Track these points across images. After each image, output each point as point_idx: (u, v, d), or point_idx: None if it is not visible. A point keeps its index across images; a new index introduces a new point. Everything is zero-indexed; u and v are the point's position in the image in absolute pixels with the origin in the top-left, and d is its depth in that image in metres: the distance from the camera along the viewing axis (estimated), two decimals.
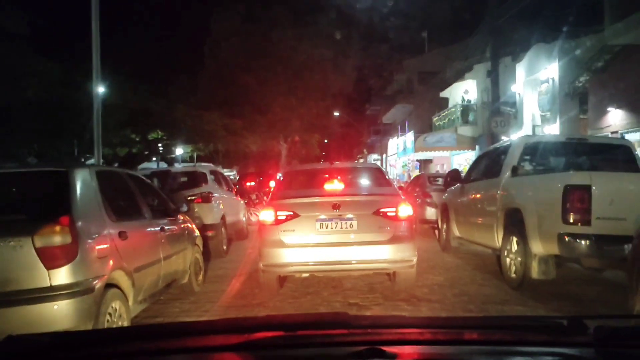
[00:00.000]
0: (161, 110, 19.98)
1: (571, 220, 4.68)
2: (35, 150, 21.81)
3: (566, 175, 5.12)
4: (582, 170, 5.49)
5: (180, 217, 5.45)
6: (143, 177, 5.01)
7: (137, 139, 21.16)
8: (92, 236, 3.26)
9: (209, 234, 7.95)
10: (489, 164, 7.20)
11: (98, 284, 3.20)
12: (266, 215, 5.09)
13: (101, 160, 9.74)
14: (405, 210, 5.07)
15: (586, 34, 15.49)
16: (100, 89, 20.36)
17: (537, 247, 5.20)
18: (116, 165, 19.06)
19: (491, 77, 13.94)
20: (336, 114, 35.20)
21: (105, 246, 3.37)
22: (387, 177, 6.22)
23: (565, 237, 4.70)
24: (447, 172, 24.88)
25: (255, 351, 1.26)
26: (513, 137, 16.34)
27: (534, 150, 6.28)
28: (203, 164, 16.02)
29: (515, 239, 5.72)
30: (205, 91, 29.08)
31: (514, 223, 5.73)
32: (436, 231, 9.73)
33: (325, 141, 41.90)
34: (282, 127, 29.60)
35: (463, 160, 26.18)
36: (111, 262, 3.42)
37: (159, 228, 4.49)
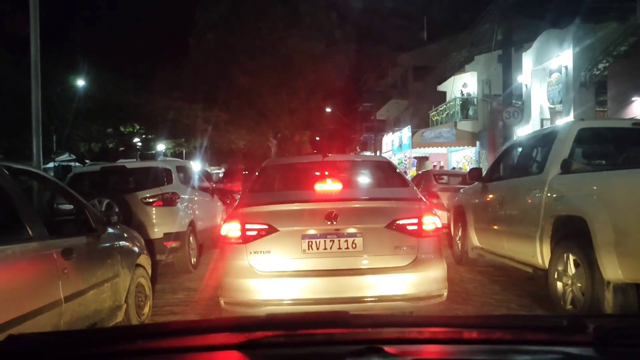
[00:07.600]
0: (138, 101, 18.25)
1: None
2: (4, 147, 20.14)
3: None
4: None
5: (113, 230, 3.89)
6: (47, 176, 3.42)
7: (111, 132, 19.41)
8: None
9: (173, 244, 6.51)
10: (524, 158, 5.71)
11: None
12: (229, 229, 3.48)
13: (42, 157, 8.02)
14: (431, 221, 3.51)
15: (600, 21, 14.13)
16: (81, 82, 18.83)
17: (614, 272, 3.69)
18: (87, 162, 17.22)
19: (502, 63, 12.46)
20: (328, 110, 33.96)
21: None
22: (401, 174, 4.53)
23: None
24: (442, 168, 23.57)
25: (256, 350, 1.26)
26: (519, 132, 14.95)
27: (589, 138, 4.78)
28: (169, 158, 14.34)
29: (572, 258, 4.23)
30: (190, 84, 27.51)
31: (571, 236, 4.24)
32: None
33: (317, 138, 40.63)
34: (271, 122, 28.18)
35: (461, 157, 24.86)
36: None
37: (58, 251, 2.91)
